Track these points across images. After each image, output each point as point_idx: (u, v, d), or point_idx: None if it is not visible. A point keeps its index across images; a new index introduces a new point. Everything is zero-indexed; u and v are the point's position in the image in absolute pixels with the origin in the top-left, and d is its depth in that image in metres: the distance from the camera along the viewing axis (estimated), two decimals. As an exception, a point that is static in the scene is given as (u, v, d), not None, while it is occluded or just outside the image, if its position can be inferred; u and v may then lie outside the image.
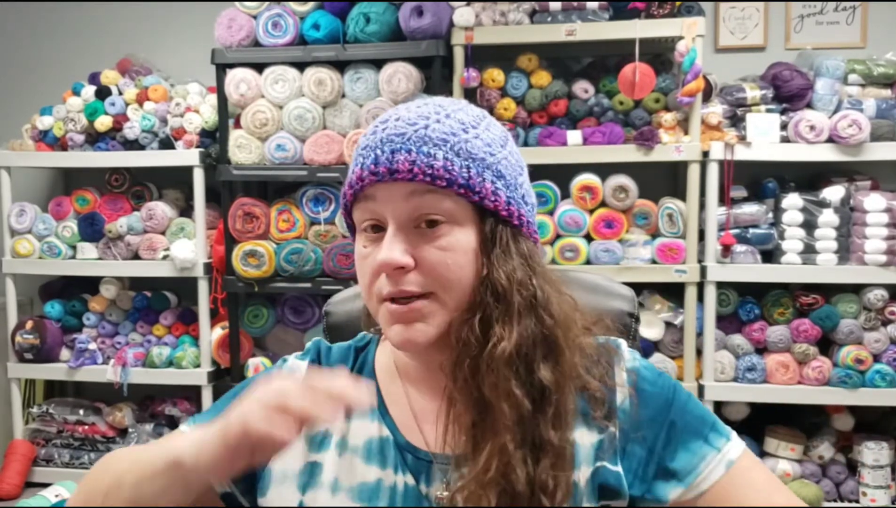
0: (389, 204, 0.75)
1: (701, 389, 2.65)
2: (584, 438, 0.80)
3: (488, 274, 0.76)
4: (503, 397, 0.74)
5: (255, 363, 2.87)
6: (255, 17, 2.73)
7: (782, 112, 2.63)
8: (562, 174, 2.70)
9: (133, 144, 2.94)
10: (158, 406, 3.11)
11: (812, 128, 2.57)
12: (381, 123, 0.78)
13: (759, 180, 2.74)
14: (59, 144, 3.01)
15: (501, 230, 0.77)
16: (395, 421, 0.85)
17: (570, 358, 0.78)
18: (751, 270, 2.61)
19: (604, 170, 2.65)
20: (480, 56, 2.66)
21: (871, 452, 2.58)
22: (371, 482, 0.82)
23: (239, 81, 2.70)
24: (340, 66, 2.68)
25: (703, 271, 2.62)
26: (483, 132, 0.79)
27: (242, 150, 2.74)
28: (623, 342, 0.87)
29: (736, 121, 2.65)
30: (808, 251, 2.60)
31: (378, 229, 0.77)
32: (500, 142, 0.80)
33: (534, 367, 0.75)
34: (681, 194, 2.68)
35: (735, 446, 0.81)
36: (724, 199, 2.62)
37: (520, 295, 0.76)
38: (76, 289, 3.15)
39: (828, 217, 2.58)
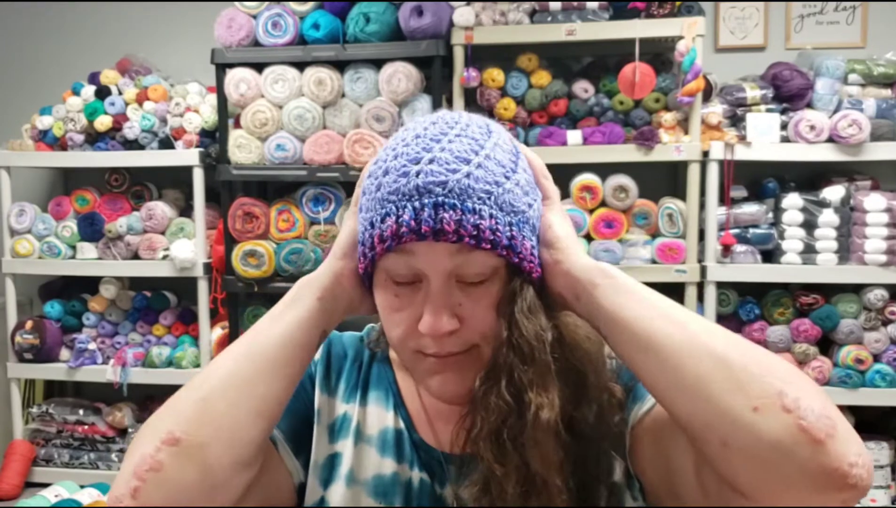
0: (431, 261, 0.70)
1: (701, 389, 2.64)
2: None
3: (510, 334, 0.70)
4: (555, 471, 0.69)
5: (255, 363, 2.87)
6: (254, 17, 2.73)
7: (782, 112, 2.63)
8: (562, 174, 2.67)
9: (133, 144, 2.94)
10: (158, 406, 3.10)
11: (812, 128, 2.57)
12: (410, 163, 0.69)
13: (759, 180, 2.74)
14: (59, 144, 3.01)
15: (526, 289, 0.72)
16: (411, 417, 0.85)
17: (603, 390, 0.75)
18: (751, 270, 2.61)
19: (604, 170, 2.65)
20: (480, 56, 2.65)
21: (872, 452, 2.58)
22: (387, 475, 0.82)
23: (239, 80, 2.70)
24: (340, 65, 2.68)
25: (703, 271, 2.62)
26: (520, 174, 0.73)
27: (242, 150, 2.74)
28: None
29: (736, 121, 2.65)
30: (809, 251, 2.60)
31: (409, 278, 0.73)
32: (530, 182, 0.76)
33: (577, 420, 0.72)
34: (681, 194, 2.68)
35: None
36: (724, 199, 2.62)
37: (552, 355, 0.71)
38: (76, 289, 3.15)
39: (828, 217, 2.58)
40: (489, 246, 0.69)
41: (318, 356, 0.89)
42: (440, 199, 0.68)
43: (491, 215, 0.69)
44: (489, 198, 0.69)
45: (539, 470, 0.69)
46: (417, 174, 0.68)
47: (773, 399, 0.58)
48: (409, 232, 0.68)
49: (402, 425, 0.84)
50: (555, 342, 0.71)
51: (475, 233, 0.68)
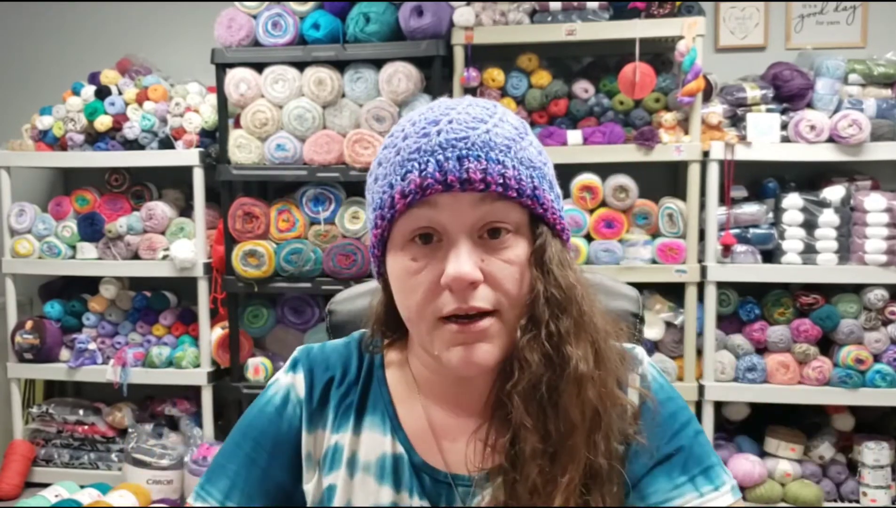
0: (454, 212, 0.70)
1: (701, 389, 2.64)
2: None
3: (545, 289, 0.71)
4: (590, 423, 0.71)
5: (255, 363, 2.87)
6: (254, 17, 2.73)
7: (783, 112, 2.63)
8: (562, 174, 2.64)
9: (133, 144, 2.94)
10: (158, 406, 3.11)
11: (812, 128, 2.56)
12: (430, 125, 0.71)
13: (759, 180, 2.74)
14: (59, 144, 3.01)
15: (553, 241, 0.74)
16: (409, 438, 0.81)
17: (613, 368, 0.74)
18: (751, 270, 2.61)
19: (604, 170, 2.65)
20: (480, 56, 2.65)
21: (872, 452, 2.58)
22: (385, 506, 0.79)
23: (239, 80, 2.70)
24: (340, 65, 2.68)
25: (703, 271, 2.62)
26: (531, 137, 0.76)
27: (242, 150, 2.74)
28: (641, 350, 0.84)
29: (736, 121, 2.65)
30: (809, 251, 2.60)
31: (428, 238, 0.72)
32: (540, 148, 0.78)
33: (606, 383, 0.73)
34: (681, 194, 2.68)
35: (722, 498, 0.76)
36: (724, 199, 2.62)
37: (581, 309, 0.72)
38: (76, 289, 3.15)
39: (828, 217, 2.58)
40: (515, 194, 0.70)
41: (301, 389, 0.84)
42: (464, 151, 0.69)
43: (514, 166, 0.71)
44: (509, 151, 0.71)
45: (571, 425, 0.70)
46: (438, 133, 0.70)
47: None
48: (434, 183, 0.69)
49: (400, 449, 0.80)
50: (584, 299, 0.73)
51: (501, 181, 0.69)
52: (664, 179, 2.89)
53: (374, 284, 0.86)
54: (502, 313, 0.72)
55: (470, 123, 0.71)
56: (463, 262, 0.69)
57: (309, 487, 0.82)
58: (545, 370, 0.70)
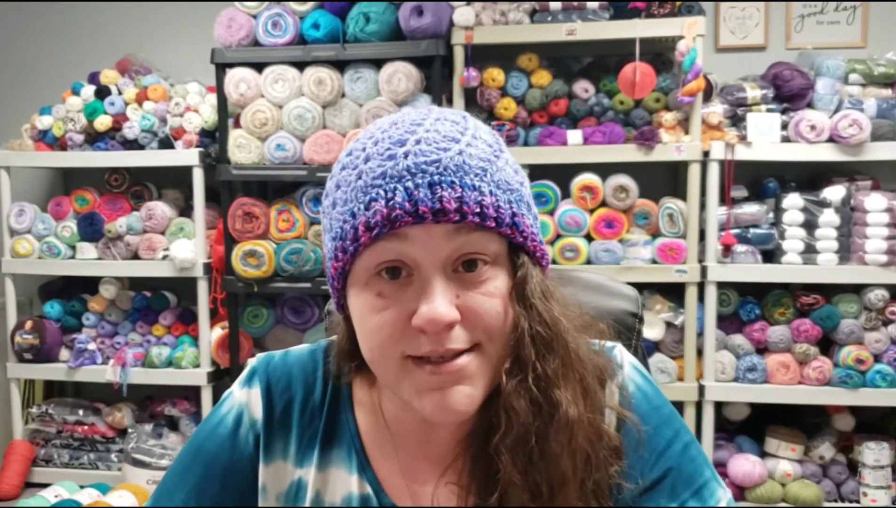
0: (426, 246, 0.62)
1: (701, 389, 2.64)
2: None
3: (530, 326, 0.64)
4: (583, 472, 0.65)
5: (255, 363, 2.86)
6: (254, 17, 2.73)
7: (783, 112, 2.63)
8: (562, 174, 2.69)
9: (132, 144, 2.94)
10: (158, 407, 3.11)
11: (813, 128, 2.56)
12: (395, 145, 0.63)
13: (759, 180, 2.73)
14: (59, 144, 3.01)
15: (534, 271, 0.67)
16: (379, 479, 0.73)
17: (599, 403, 0.68)
18: (751, 270, 2.61)
19: (604, 170, 2.65)
20: (480, 56, 2.65)
21: (872, 452, 2.57)
22: None
23: (238, 80, 2.70)
24: (340, 65, 2.68)
25: (703, 271, 2.62)
26: (507, 154, 0.69)
27: (242, 149, 2.74)
28: (620, 350, 0.76)
29: (736, 121, 2.65)
30: (809, 251, 2.60)
31: (397, 272, 0.64)
32: (516, 165, 0.70)
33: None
34: (681, 194, 2.68)
35: None
36: (724, 199, 2.62)
37: (567, 345, 0.65)
38: (75, 289, 3.14)
39: (828, 217, 2.57)
40: (494, 224, 0.63)
41: (256, 410, 0.76)
42: (436, 177, 0.62)
43: (491, 192, 0.63)
44: (486, 174, 0.64)
45: (563, 477, 0.64)
46: (406, 155, 0.62)
47: None
48: (404, 214, 0.61)
49: (368, 490, 0.73)
50: (567, 334, 0.66)
51: (478, 210, 0.62)
52: (664, 179, 2.89)
53: None
54: (484, 348, 0.65)
55: (441, 144, 0.63)
56: (438, 302, 0.62)
57: None
58: (534, 418, 0.64)
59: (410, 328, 0.63)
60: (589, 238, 2.68)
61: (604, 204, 2.67)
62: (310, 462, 0.75)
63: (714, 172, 2.60)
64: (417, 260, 0.63)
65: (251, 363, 0.79)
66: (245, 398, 0.77)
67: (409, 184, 0.61)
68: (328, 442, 0.75)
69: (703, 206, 2.64)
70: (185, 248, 2.85)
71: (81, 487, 2.79)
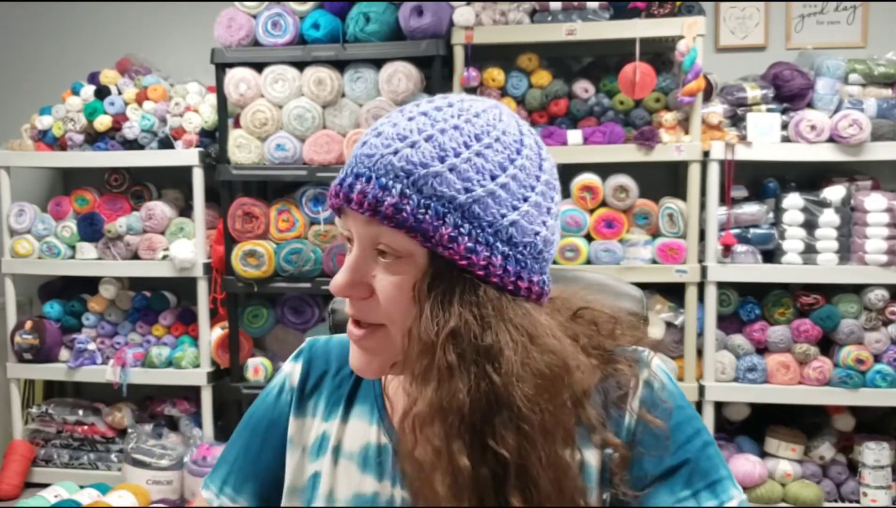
0: (354, 226, 0.72)
1: (701, 389, 2.64)
2: (591, 459, 0.74)
3: (413, 326, 0.69)
4: (436, 466, 0.67)
5: (255, 363, 2.87)
6: (254, 17, 2.73)
7: (783, 112, 2.63)
8: (562, 174, 2.63)
9: (132, 144, 2.94)
10: (158, 407, 3.11)
11: (813, 128, 2.56)
12: (371, 133, 0.72)
13: (759, 180, 2.73)
14: (59, 144, 3.01)
15: (452, 278, 0.68)
16: (397, 429, 0.77)
17: (539, 416, 0.67)
18: (751, 270, 2.61)
19: (604, 170, 2.65)
20: (480, 56, 2.65)
21: (872, 452, 2.57)
22: (367, 494, 0.79)
23: (238, 80, 2.70)
24: (340, 65, 2.67)
25: (703, 271, 2.62)
26: (473, 159, 0.68)
27: (242, 149, 2.74)
28: (647, 352, 0.79)
29: (736, 121, 2.65)
30: (809, 251, 2.60)
31: (351, 242, 0.74)
32: (492, 171, 0.69)
33: (484, 431, 0.66)
34: (681, 194, 2.67)
35: None
36: (724, 199, 2.62)
37: (445, 352, 0.67)
38: (75, 289, 3.14)
39: (828, 217, 2.57)
40: (392, 224, 0.67)
41: (295, 378, 0.88)
42: (362, 170, 0.69)
43: (402, 194, 0.67)
44: (407, 177, 0.67)
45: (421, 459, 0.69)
46: (363, 144, 0.71)
47: None
48: (333, 196, 0.72)
49: (385, 439, 0.80)
50: (465, 339, 0.67)
51: (374, 207, 0.68)
52: (664, 179, 2.89)
53: None
54: (389, 330, 0.72)
55: (389, 141, 0.69)
56: (340, 273, 0.72)
57: (297, 474, 0.84)
58: (411, 406, 0.70)
59: None
60: (589, 238, 2.68)
61: (604, 204, 2.67)
62: (334, 417, 0.84)
63: (714, 172, 2.60)
64: (353, 236, 0.72)
65: (303, 344, 0.92)
66: (290, 369, 0.89)
67: (347, 171, 0.71)
68: (353, 400, 0.85)
69: (703, 206, 2.64)
70: (185, 248, 2.85)
71: (81, 487, 2.79)
